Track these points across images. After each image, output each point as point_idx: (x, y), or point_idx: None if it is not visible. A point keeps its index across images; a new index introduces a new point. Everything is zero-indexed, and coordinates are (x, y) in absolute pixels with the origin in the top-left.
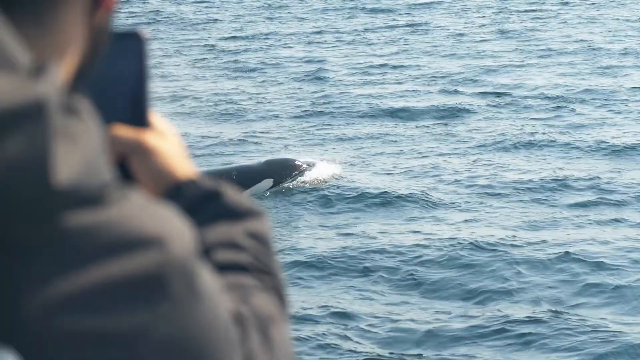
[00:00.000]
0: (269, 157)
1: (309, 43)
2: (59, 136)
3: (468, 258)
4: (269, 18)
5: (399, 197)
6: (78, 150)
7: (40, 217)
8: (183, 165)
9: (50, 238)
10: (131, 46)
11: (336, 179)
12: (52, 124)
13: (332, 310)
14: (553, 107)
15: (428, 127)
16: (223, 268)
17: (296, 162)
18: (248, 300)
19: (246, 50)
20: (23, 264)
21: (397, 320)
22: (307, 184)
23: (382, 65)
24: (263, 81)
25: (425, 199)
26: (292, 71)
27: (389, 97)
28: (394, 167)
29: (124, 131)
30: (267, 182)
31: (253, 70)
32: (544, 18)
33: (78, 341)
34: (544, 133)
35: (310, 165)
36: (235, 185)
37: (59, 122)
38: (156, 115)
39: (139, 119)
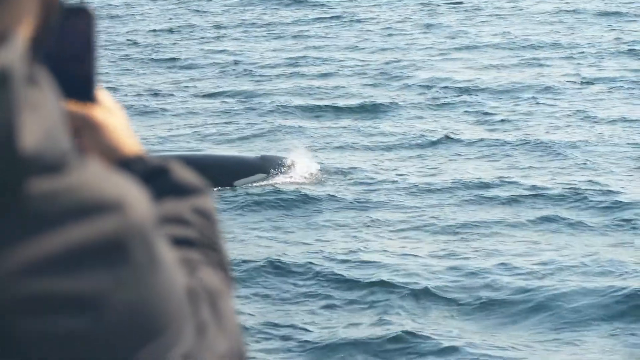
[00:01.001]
0: (265, 152)
1: (235, 36)
2: (23, 104)
3: (395, 263)
4: (195, 11)
5: (326, 195)
6: (40, 118)
7: (5, 183)
8: (130, 141)
9: (14, 204)
10: (79, 22)
11: (324, 178)
12: (17, 92)
13: (256, 319)
14: (481, 101)
15: (355, 122)
16: (171, 243)
17: (289, 161)
18: (196, 275)
19: (173, 43)
20: None
21: (321, 329)
22: (293, 183)
23: (308, 59)
24: (188, 76)
25: (349, 197)
26: (218, 64)
27: (315, 91)
28: (320, 164)
29: (72, 106)
30: (260, 177)
31: (178, 63)
32: (471, 10)
33: (40, 305)
34: (472, 128)
35: (302, 164)
36: (228, 174)
37: (23, 90)
38: (103, 92)
39: (87, 95)
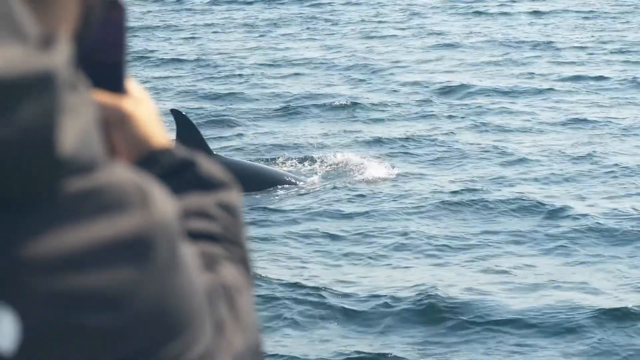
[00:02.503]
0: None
1: (210, 35)
2: (64, 108)
3: (357, 273)
4: (173, 10)
5: (298, 201)
6: (77, 122)
7: (43, 182)
8: (158, 133)
9: (49, 201)
10: (109, 13)
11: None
12: (60, 95)
13: None
14: (462, 105)
15: (333, 123)
16: (194, 236)
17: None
18: (216, 270)
19: (148, 42)
20: (23, 223)
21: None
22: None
23: (283, 58)
24: (162, 74)
25: (324, 201)
26: (193, 63)
27: (292, 93)
28: (293, 164)
29: (102, 97)
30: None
31: (152, 63)
32: (454, 10)
33: (67, 298)
34: (452, 133)
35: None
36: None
37: (65, 95)
38: (132, 82)
39: (117, 86)
